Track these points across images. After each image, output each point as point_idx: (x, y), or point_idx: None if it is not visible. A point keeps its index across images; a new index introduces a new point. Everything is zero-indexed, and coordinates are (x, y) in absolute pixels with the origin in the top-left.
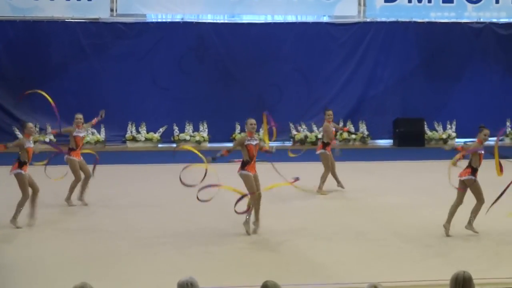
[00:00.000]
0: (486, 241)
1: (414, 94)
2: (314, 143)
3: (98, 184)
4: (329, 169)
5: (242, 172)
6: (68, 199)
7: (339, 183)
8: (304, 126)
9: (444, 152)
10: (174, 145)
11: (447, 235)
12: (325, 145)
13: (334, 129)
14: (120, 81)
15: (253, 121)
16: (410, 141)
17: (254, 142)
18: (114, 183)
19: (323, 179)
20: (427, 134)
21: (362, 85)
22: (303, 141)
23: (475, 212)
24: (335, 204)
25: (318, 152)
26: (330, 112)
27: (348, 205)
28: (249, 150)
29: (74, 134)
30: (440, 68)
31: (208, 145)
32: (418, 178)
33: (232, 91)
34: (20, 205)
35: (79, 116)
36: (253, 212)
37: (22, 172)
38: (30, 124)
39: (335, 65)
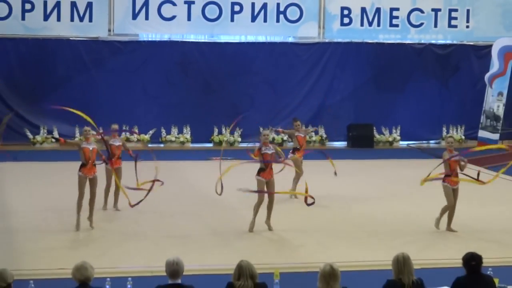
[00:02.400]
0: (423, 230)
1: (365, 103)
2: (280, 144)
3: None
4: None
5: (257, 177)
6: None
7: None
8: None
9: (390, 153)
10: (162, 145)
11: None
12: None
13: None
14: (116, 90)
15: (266, 132)
16: (361, 143)
17: (270, 151)
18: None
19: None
20: (375, 137)
21: (321, 95)
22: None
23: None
24: (295, 199)
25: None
26: (298, 123)
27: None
28: (265, 158)
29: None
30: (387, 81)
31: (191, 145)
32: (368, 174)
33: (211, 99)
34: (79, 204)
35: (87, 128)
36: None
37: (80, 173)
38: (86, 128)
39: (298, 78)
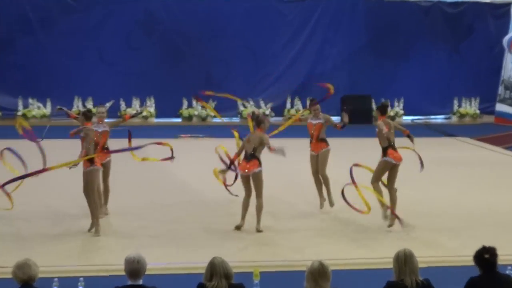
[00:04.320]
0: (430, 222)
1: (362, 71)
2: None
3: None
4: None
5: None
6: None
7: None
8: (251, 102)
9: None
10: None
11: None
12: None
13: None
14: (67, 55)
15: (268, 120)
16: (357, 118)
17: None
18: (62, 159)
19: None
20: (374, 111)
21: (310, 62)
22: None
23: None
24: (285, 182)
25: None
26: (317, 107)
27: (296, 183)
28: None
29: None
30: (388, 46)
31: (155, 120)
32: (365, 155)
33: (180, 66)
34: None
35: (101, 109)
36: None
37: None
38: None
39: (283, 41)
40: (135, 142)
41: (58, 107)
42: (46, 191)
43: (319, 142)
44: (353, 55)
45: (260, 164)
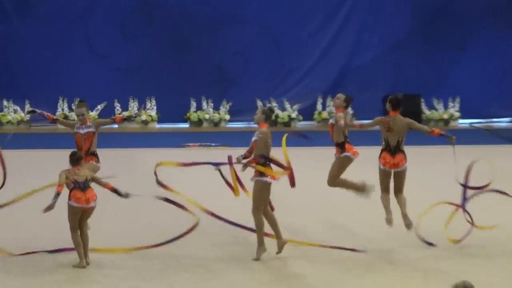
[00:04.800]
0: (491, 248)
1: (409, 65)
2: (286, 124)
3: (20, 173)
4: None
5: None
6: None
7: None
8: (274, 103)
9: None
10: (116, 125)
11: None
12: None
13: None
14: (49, 47)
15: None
16: None
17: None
18: (42, 171)
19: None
20: (424, 113)
21: (346, 53)
22: (274, 122)
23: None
24: (321, 202)
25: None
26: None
27: (331, 201)
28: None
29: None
30: (440, 34)
31: (157, 125)
32: (414, 168)
33: (187, 60)
34: None
35: (81, 110)
36: None
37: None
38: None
39: (312, 28)
40: (127, 150)
41: (30, 109)
42: (33, 218)
43: (336, 146)
44: (398, 46)
45: None
